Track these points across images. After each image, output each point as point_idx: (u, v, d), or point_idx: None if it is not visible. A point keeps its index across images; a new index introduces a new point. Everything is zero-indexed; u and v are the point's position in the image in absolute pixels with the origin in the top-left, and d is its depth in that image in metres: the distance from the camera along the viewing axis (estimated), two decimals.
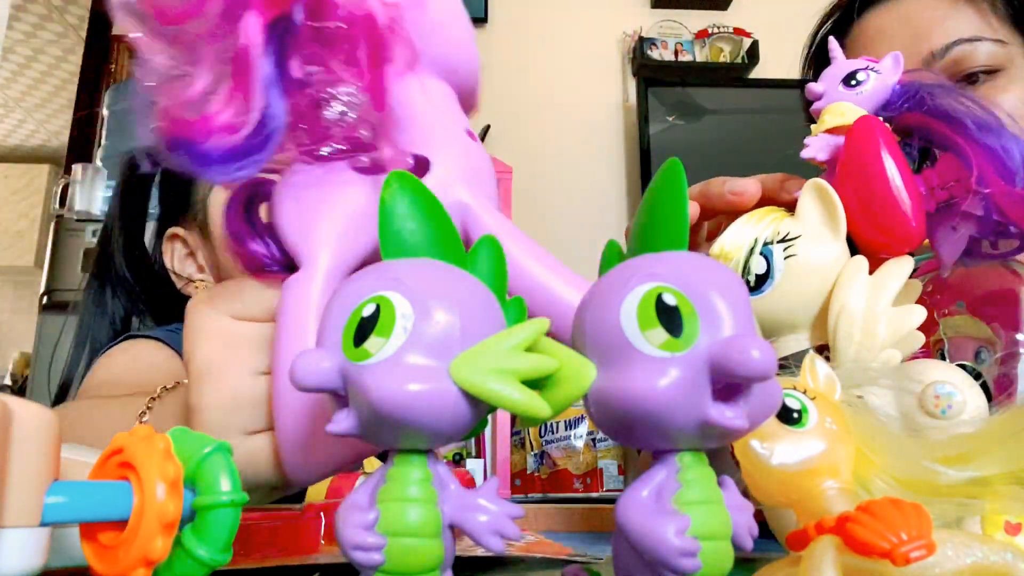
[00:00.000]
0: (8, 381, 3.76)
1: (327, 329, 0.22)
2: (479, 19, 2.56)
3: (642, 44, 2.51)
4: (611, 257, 0.26)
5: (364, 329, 0.21)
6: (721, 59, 2.55)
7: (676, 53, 2.55)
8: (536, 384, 0.22)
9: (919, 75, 0.43)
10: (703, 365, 0.20)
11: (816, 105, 0.43)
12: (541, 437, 1.69)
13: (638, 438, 0.23)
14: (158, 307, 0.72)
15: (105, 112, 2.17)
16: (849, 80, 0.42)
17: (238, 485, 0.22)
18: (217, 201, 0.69)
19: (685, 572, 0.21)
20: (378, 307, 0.22)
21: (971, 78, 0.66)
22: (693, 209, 0.45)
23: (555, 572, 0.43)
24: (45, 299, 2.18)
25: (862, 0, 0.73)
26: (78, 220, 2.21)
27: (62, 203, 2.24)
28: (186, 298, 0.71)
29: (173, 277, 0.72)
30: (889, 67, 0.42)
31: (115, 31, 2.63)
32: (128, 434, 0.22)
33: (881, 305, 0.38)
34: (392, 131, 0.31)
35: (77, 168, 2.22)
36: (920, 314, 0.37)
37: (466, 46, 0.36)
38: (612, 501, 0.23)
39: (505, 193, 2.04)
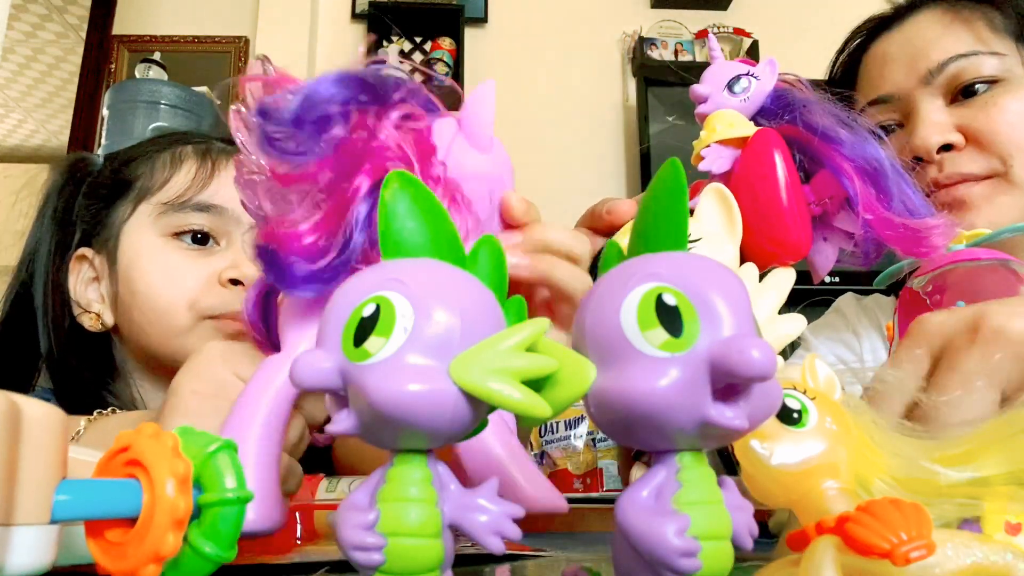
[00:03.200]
0: None
1: (327, 329, 0.22)
2: (479, 19, 2.56)
3: (642, 44, 2.51)
4: (611, 257, 0.26)
5: (364, 329, 0.21)
6: None
7: (676, 53, 2.54)
8: (536, 384, 0.22)
9: (792, 86, 0.44)
10: (703, 365, 0.20)
11: (701, 108, 0.44)
12: (541, 437, 1.69)
13: (638, 438, 0.23)
14: (77, 356, 0.64)
15: (105, 112, 2.17)
16: (732, 85, 0.43)
17: (243, 482, 0.22)
18: (133, 235, 0.64)
19: (685, 572, 0.21)
20: (378, 307, 0.22)
21: (969, 90, 0.69)
22: (627, 207, 0.45)
23: (555, 572, 0.43)
24: None
25: (871, 30, 0.77)
26: None
27: None
28: (100, 350, 0.64)
29: (72, 304, 0.65)
30: (767, 73, 0.43)
31: (115, 31, 2.63)
32: (134, 432, 0.22)
33: (761, 312, 0.38)
34: None
35: None
36: (799, 323, 0.37)
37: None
38: (612, 501, 0.23)
39: None
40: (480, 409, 0.22)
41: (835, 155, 0.40)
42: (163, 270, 0.63)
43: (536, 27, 2.59)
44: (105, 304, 0.65)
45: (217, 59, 2.58)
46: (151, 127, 2.01)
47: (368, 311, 0.22)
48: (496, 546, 0.22)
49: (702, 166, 0.42)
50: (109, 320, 0.65)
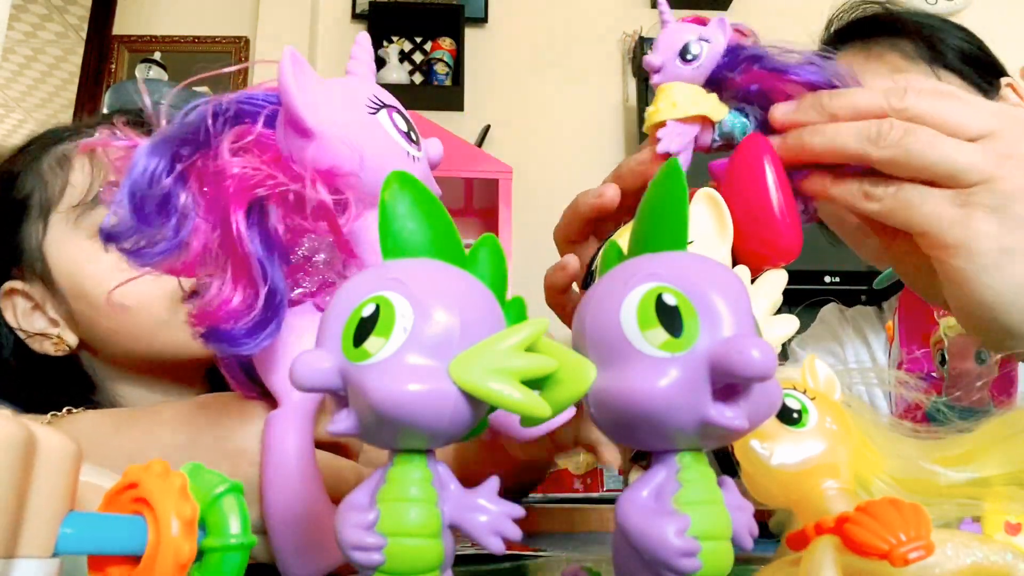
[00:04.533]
0: None
1: (327, 329, 0.22)
2: (479, 19, 2.56)
3: (642, 44, 2.51)
4: (611, 257, 0.26)
5: (364, 329, 0.21)
6: None
7: None
8: (536, 384, 0.22)
9: (742, 37, 0.44)
10: (703, 365, 0.20)
11: (656, 79, 0.43)
12: None
13: (638, 438, 0.23)
14: (41, 386, 0.61)
15: (105, 112, 2.17)
16: (684, 54, 0.42)
17: (247, 527, 0.22)
18: (61, 250, 0.61)
19: (685, 572, 0.21)
20: (378, 307, 0.22)
21: None
22: (613, 192, 0.45)
23: (555, 572, 0.43)
24: None
25: None
26: None
27: None
28: (67, 372, 0.62)
29: (20, 334, 0.61)
30: (717, 34, 0.43)
31: (115, 31, 2.63)
32: (143, 468, 0.22)
33: (756, 315, 0.38)
34: (360, 267, 0.35)
35: None
36: (792, 324, 0.37)
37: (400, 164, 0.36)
38: (612, 501, 0.23)
39: (505, 193, 2.04)
40: (480, 409, 0.22)
41: (790, 84, 0.41)
42: (113, 269, 0.56)
43: (536, 27, 2.59)
44: (61, 326, 0.62)
45: (217, 59, 2.58)
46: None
47: (368, 311, 0.22)
48: (496, 546, 0.22)
49: (660, 148, 0.42)
50: (72, 340, 0.62)
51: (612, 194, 0.44)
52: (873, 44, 0.74)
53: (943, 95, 0.39)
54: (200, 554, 0.21)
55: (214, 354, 0.35)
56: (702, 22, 0.43)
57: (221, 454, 0.37)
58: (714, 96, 0.42)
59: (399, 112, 0.36)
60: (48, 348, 0.62)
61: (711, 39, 0.42)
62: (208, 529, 0.22)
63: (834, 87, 0.42)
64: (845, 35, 0.77)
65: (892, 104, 0.39)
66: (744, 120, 0.42)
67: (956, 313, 0.41)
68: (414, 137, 0.36)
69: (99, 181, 0.60)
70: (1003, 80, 0.74)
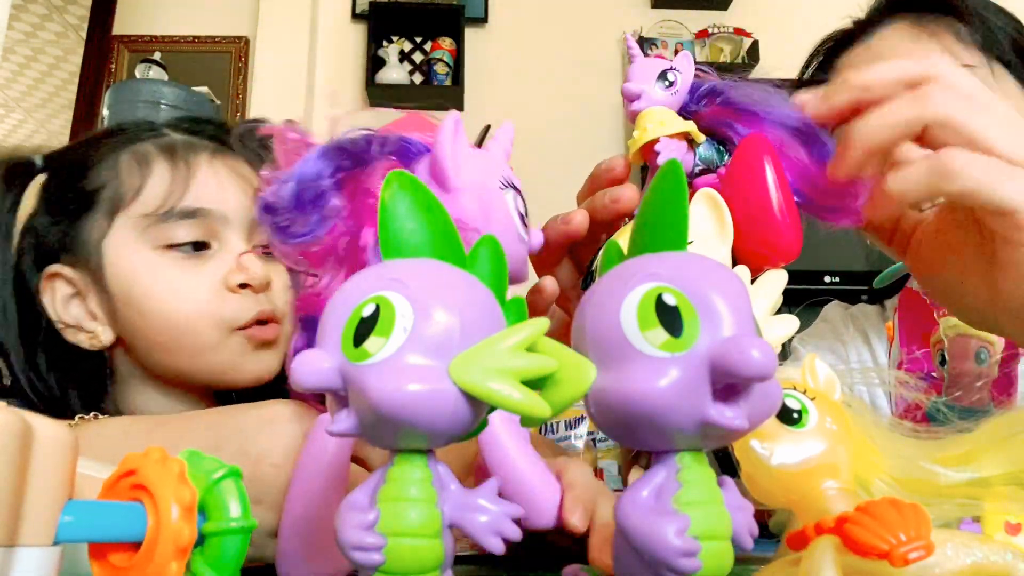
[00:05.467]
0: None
1: (327, 329, 0.22)
2: (479, 19, 2.56)
3: (642, 44, 2.51)
4: (611, 257, 0.26)
5: (364, 329, 0.21)
6: (721, 59, 2.55)
7: (676, 53, 2.54)
8: (536, 384, 0.22)
9: (701, 77, 0.44)
10: (703, 365, 0.20)
11: (636, 105, 0.43)
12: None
13: (638, 438, 0.23)
14: (60, 375, 0.60)
15: (105, 112, 2.17)
16: (662, 79, 0.43)
17: (248, 510, 0.22)
18: (122, 254, 0.60)
19: (685, 572, 0.21)
20: (378, 307, 0.22)
21: None
22: (581, 218, 0.44)
23: (555, 572, 0.43)
24: None
25: (837, 44, 0.77)
26: None
27: None
28: (90, 364, 0.61)
29: (55, 321, 0.60)
30: (686, 66, 0.44)
31: (115, 31, 2.63)
32: (141, 455, 0.22)
33: (756, 314, 0.38)
34: None
35: None
36: (792, 324, 0.37)
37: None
38: None
39: None
40: (480, 409, 0.22)
41: (751, 123, 0.42)
42: (170, 286, 0.59)
43: (536, 27, 2.59)
44: (98, 321, 0.61)
45: (217, 59, 2.58)
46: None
47: (368, 311, 0.22)
48: (496, 546, 0.22)
49: (661, 159, 0.42)
50: (108, 338, 0.61)
51: (580, 220, 0.44)
52: (927, 20, 0.72)
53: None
54: (201, 539, 0.22)
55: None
56: (664, 59, 0.45)
57: (244, 457, 0.38)
58: (691, 122, 0.42)
59: (520, 195, 0.40)
60: (82, 340, 0.61)
61: (682, 70, 0.44)
62: (208, 513, 0.22)
63: (807, 124, 0.41)
64: (896, 6, 0.74)
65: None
66: (721, 149, 0.43)
67: (1007, 305, 0.39)
68: (526, 222, 0.40)
69: (177, 195, 0.59)
70: None
